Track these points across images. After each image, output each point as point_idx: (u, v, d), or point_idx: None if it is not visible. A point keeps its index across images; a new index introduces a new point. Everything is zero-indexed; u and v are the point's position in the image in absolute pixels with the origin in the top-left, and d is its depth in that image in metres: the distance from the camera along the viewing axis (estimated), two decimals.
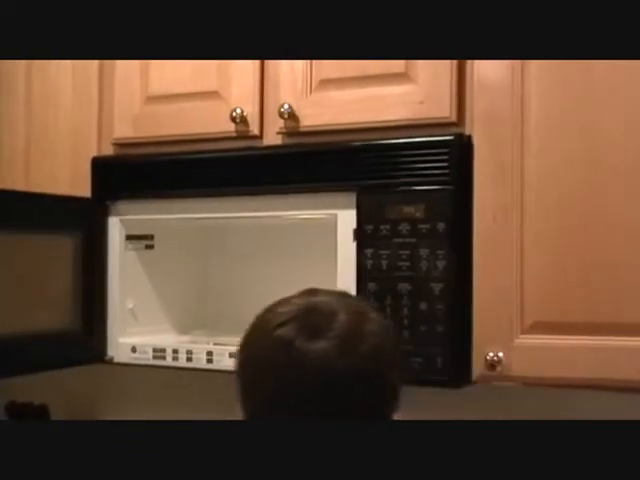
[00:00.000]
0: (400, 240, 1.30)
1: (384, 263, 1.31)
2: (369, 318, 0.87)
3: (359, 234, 1.33)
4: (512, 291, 1.24)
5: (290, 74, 1.42)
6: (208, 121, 1.50)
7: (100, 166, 1.60)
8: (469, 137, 1.29)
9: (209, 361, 1.45)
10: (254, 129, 1.46)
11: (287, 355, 0.82)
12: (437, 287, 1.27)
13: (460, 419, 1.53)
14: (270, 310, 0.89)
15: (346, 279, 1.33)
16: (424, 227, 1.28)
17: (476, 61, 1.27)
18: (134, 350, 1.55)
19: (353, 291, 1.32)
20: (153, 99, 1.56)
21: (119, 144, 1.61)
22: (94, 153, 1.61)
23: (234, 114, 1.45)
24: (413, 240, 1.29)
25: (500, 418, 1.50)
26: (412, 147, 1.31)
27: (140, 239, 1.64)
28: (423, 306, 1.28)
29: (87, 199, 1.59)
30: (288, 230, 1.54)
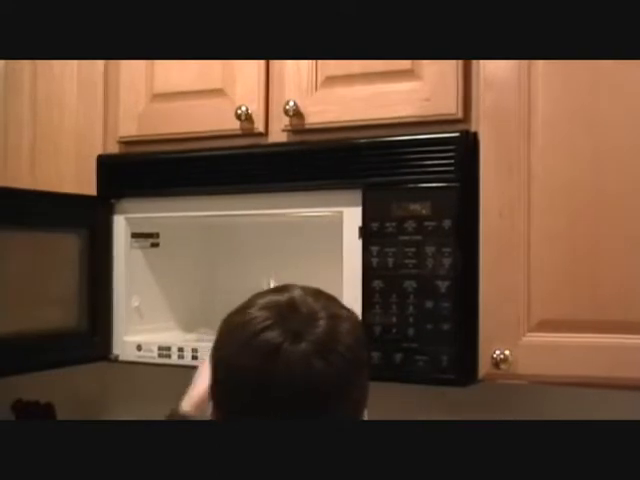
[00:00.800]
0: (406, 238, 1.29)
1: (390, 261, 1.30)
2: (345, 318, 0.89)
3: (365, 232, 1.32)
4: (519, 289, 1.24)
5: (295, 71, 1.42)
6: (213, 119, 1.50)
7: (105, 164, 1.60)
8: (475, 134, 1.28)
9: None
10: (259, 127, 1.46)
11: (275, 358, 0.83)
12: (443, 285, 1.26)
13: (466, 418, 1.53)
14: (247, 312, 0.87)
15: (352, 277, 1.33)
16: (430, 224, 1.27)
17: None
18: (139, 348, 1.55)
19: (359, 289, 1.32)
20: (158, 97, 1.56)
21: (124, 142, 1.61)
22: (99, 151, 1.61)
23: (239, 112, 1.45)
24: (419, 237, 1.28)
25: (506, 417, 1.49)
26: (418, 144, 1.30)
27: (145, 237, 1.64)
28: (429, 304, 1.27)
29: (92, 197, 1.58)
30: (293, 227, 1.54)
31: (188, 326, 1.66)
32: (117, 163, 1.60)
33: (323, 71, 1.40)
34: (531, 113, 1.24)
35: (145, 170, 1.55)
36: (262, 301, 0.89)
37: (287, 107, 1.41)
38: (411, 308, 1.28)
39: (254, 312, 0.87)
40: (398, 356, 1.28)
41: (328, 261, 1.37)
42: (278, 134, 1.45)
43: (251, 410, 0.85)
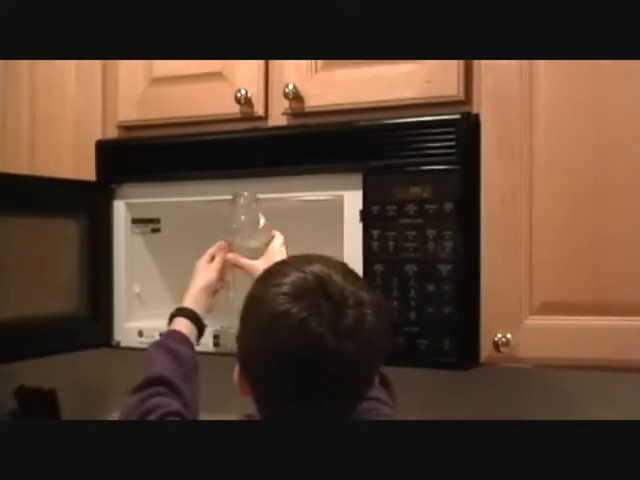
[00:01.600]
0: (407, 221, 1.28)
1: (391, 244, 1.29)
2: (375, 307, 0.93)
3: (365, 215, 1.32)
4: (521, 272, 1.23)
5: None
6: (212, 103, 1.49)
7: (105, 149, 1.59)
8: (477, 116, 1.27)
9: (215, 345, 1.44)
10: (259, 110, 1.45)
11: (318, 348, 0.88)
12: (445, 268, 1.25)
13: (467, 402, 1.53)
14: (279, 298, 0.90)
15: (353, 260, 1.31)
16: (431, 207, 1.26)
17: None
18: (141, 334, 1.55)
19: (360, 273, 1.30)
20: (157, 81, 1.55)
21: (123, 127, 1.60)
22: (98, 136, 1.60)
23: (238, 95, 1.44)
24: (420, 221, 1.27)
25: (508, 400, 1.50)
26: (419, 126, 1.29)
27: (146, 223, 1.63)
28: (430, 288, 1.26)
29: (92, 183, 1.58)
30: (294, 211, 1.53)
31: None
32: (117, 148, 1.59)
33: None
34: (533, 95, 1.23)
35: (145, 155, 1.55)
36: (289, 282, 0.91)
37: (287, 90, 1.40)
38: (412, 292, 1.28)
39: (286, 301, 0.89)
40: (400, 340, 1.28)
41: (329, 245, 1.35)
42: (278, 117, 1.44)
43: (294, 390, 0.90)
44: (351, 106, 1.37)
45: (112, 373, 1.87)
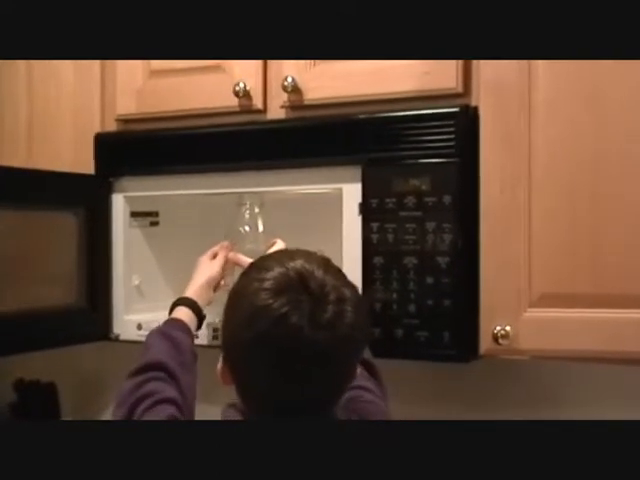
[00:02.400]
0: (406, 213, 1.28)
1: (390, 237, 1.29)
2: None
3: (364, 208, 1.32)
4: (520, 264, 1.23)
5: None
6: (211, 96, 1.48)
7: (103, 142, 1.59)
8: (475, 108, 1.27)
9: (215, 337, 1.44)
10: (257, 103, 1.45)
11: (296, 338, 0.91)
12: (444, 261, 1.26)
13: (467, 394, 1.53)
14: (261, 292, 0.92)
15: (352, 253, 1.32)
16: (430, 200, 1.26)
17: None
18: (140, 327, 1.55)
19: (359, 266, 1.31)
20: (156, 74, 1.54)
21: (122, 120, 1.59)
22: (97, 129, 1.60)
23: (237, 88, 1.44)
24: (419, 213, 1.27)
25: (507, 392, 1.50)
26: (418, 119, 1.29)
27: (145, 216, 1.63)
28: (429, 280, 1.26)
29: (90, 176, 1.58)
30: (293, 205, 1.53)
31: None
32: (115, 141, 1.59)
33: None
34: (531, 88, 1.23)
35: (144, 148, 1.54)
36: (271, 277, 0.93)
37: (285, 83, 1.40)
38: (412, 284, 1.28)
39: (268, 297, 0.91)
40: (399, 332, 1.28)
41: (328, 238, 1.36)
42: (276, 110, 1.44)
43: (269, 377, 0.93)
44: (350, 99, 1.37)
45: (111, 366, 1.87)
